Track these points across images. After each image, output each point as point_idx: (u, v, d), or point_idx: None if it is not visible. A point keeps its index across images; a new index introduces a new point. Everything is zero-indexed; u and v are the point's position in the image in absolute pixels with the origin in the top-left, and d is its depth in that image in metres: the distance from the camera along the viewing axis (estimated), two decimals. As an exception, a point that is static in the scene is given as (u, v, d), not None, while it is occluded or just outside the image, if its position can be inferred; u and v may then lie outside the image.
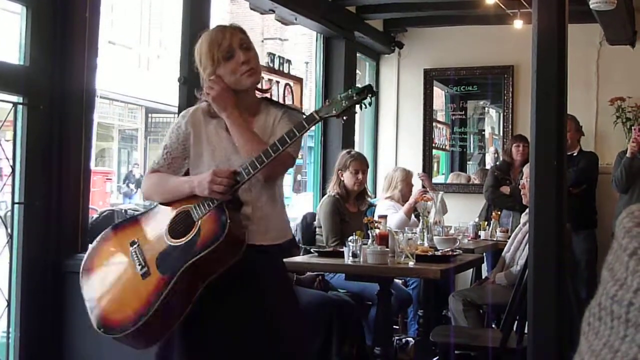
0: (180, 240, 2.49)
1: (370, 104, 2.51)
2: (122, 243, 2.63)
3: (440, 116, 7.39)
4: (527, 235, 3.67)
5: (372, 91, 2.49)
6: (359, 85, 2.70)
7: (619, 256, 0.49)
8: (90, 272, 2.64)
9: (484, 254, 5.30)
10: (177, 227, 2.53)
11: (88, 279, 2.64)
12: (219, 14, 16.35)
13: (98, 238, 2.72)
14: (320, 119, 2.50)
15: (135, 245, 2.58)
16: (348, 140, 6.13)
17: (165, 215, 2.60)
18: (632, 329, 0.46)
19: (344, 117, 2.53)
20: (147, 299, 2.45)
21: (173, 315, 2.44)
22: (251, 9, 5.56)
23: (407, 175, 5.85)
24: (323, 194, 5.39)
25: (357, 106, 2.50)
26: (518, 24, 6.03)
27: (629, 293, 0.47)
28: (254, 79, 2.61)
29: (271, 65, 5.64)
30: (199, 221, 2.49)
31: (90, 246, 2.72)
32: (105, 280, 2.62)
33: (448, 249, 4.30)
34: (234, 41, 2.57)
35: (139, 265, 2.53)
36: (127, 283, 2.56)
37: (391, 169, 6.10)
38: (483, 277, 5.48)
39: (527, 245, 3.61)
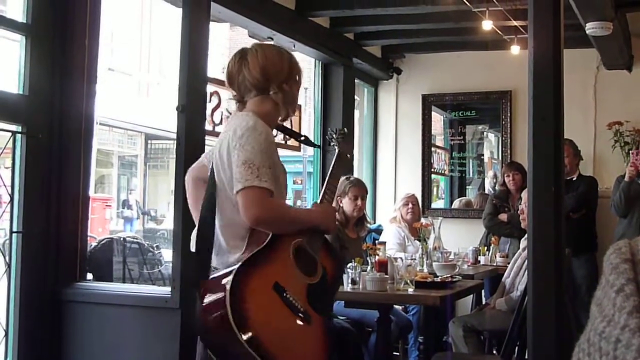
0: (313, 277, 2.49)
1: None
2: (267, 290, 2.34)
3: (439, 141, 7.40)
4: (527, 260, 3.65)
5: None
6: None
7: (606, 292, 0.49)
8: (256, 330, 2.25)
9: (484, 279, 5.28)
10: (303, 265, 2.48)
11: (256, 339, 2.24)
12: (218, 41, 16.44)
13: (235, 288, 2.26)
14: None
15: (283, 290, 2.36)
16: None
17: (282, 252, 2.43)
18: (620, 366, 0.46)
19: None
20: (324, 341, 2.48)
21: None
22: (250, 36, 5.61)
23: (405, 198, 5.91)
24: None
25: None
26: (515, 49, 6.06)
27: (616, 330, 0.47)
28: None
29: (270, 91, 5.64)
30: (318, 257, 2.53)
31: (230, 299, 2.24)
32: (281, 338, 2.34)
33: (447, 275, 4.28)
34: None
35: (300, 310, 2.38)
36: (300, 333, 2.41)
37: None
38: (483, 302, 5.46)
39: (527, 271, 3.60)
